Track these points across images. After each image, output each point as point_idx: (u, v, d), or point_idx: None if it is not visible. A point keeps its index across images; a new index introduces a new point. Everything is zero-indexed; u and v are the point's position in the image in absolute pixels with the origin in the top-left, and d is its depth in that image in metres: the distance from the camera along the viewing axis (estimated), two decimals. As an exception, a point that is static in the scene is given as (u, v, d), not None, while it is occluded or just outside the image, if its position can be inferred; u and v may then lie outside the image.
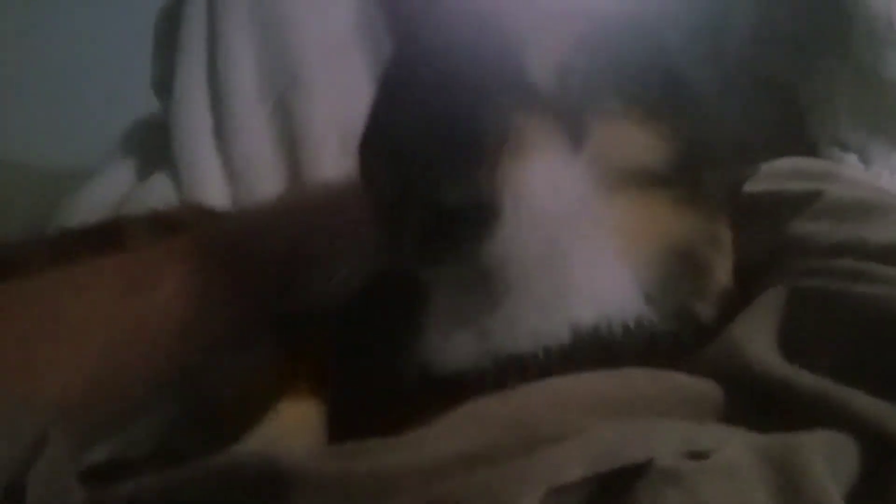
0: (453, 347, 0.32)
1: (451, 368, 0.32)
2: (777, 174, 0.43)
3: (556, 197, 0.30)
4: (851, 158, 0.48)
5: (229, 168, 0.66)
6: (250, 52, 0.69)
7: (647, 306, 0.31)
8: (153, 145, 0.72)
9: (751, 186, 0.41)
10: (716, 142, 0.37)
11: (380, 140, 0.32)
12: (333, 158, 0.66)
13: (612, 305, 0.31)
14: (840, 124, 0.47)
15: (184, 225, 0.53)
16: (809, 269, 0.34)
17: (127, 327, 0.38)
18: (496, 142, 0.29)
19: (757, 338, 0.30)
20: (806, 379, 0.26)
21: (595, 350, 0.31)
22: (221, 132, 0.67)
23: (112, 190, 0.68)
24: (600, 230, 0.31)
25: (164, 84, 0.73)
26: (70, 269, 0.39)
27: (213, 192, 0.65)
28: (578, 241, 0.31)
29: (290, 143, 0.67)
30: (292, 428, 0.34)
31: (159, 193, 0.64)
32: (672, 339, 0.32)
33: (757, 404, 0.28)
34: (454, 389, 0.30)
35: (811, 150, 0.48)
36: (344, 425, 0.34)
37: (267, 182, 0.66)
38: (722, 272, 0.35)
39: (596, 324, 0.31)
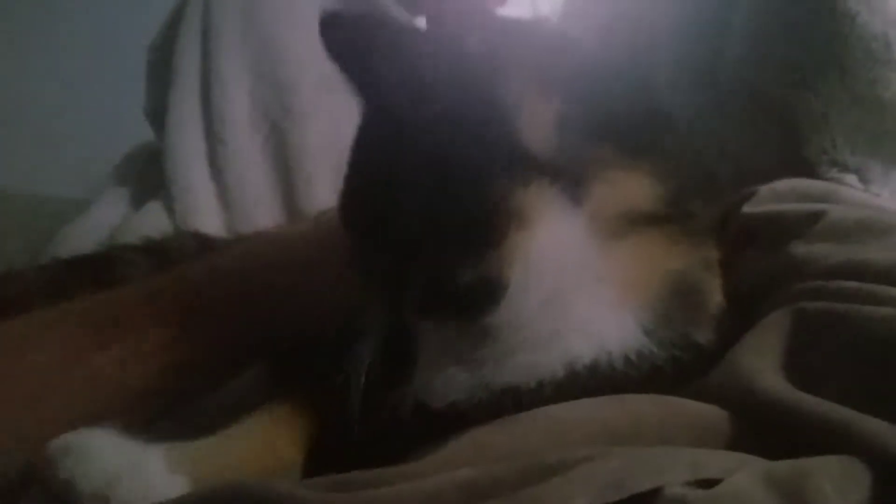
0: (447, 379, 0.32)
1: (444, 399, 0.31)
2: (777, 195, 0.43)
3: (560, 256, 0.31)
4: (850, 179, 0.47)
5: (223, 195, 0.66)
6: (243, 82, 0.69)
7: (646, 338, 0.31)
8: (147, 174, 0.72)
9: (750, 208, 0.41)
10: (708, 173, 0.38)
11: (370, 210, 0.33)
12: (326, 184, 0.66)
13: (611, 341, 0.31)
14: (838, 145, 0.47)
15: (178, 253, 0.53)
16: (813, 290, 0.33)
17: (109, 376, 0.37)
18: (501, 219, 0.30)
19: (762, 362, 0.29)
20: (813, 403, 0.26)
21: (594, 382, 0.31)
22: (215, 160, 0.67)
23: (107, 218, 0.68)
24: (599, 274, 0.31)
25: (158, 113, 0.72)
26: (54, 313, 0.38)
27: (207, 218, 0.65)
28: (578, 286, 0.31)
29: (284, 170, 0.67)
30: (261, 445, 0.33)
31: (153, 221, 0.64)
32: (673, 366, 0.32)
33: (764, 430, 0.27)
34: (448, 420, 0.30)
35: (810, 171, 0.48)
36: (337, 455, 0.33)
37: (261, 208, 0.66)
38: (715, 292, 0.35)
39: (595, 359, 0.31)
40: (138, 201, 0.69)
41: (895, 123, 0.46)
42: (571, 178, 0.31)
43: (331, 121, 0.68)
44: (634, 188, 0.32)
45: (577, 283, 0.31)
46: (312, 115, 0.67)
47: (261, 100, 0.68)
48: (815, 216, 0.39)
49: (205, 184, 0.66)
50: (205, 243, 0.55)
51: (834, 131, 0.47)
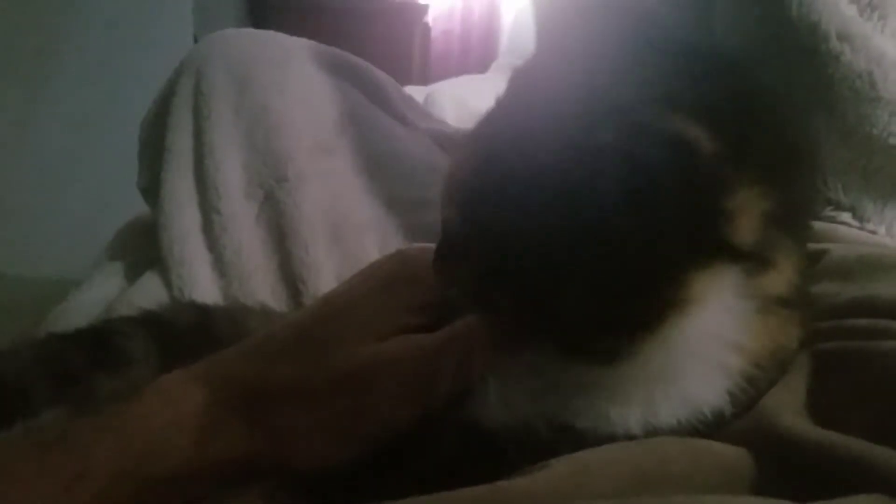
0: (510, 398, 0.31)
1: (499, 420, 0.31)
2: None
3: (715, 316, 0.30)
4: (846, 216, 0.48)
5: (219, 264, 0.66)
6: (237, 153, 0.69)
7: (728, 404, 0.31)
8: (142, 247, 0.71)
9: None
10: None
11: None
12: (322, 249, 0.66)
13: (697, 409, 0.30)
14: (830, 183, 0.48)
15: (176, 324, 0.52)
16: (827, 330, 0.33)
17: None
18: (663, 307, 0.28)
19: (785, 404, 0.29)
20: (838, 441, 0.25)
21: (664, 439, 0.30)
22: (211, 230, 0.67)
23: (102, 293, 0.67)
24: (733, 352, 0.31)
25: (152, 186, 0.73)
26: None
27: (204, 288, 0.64)
28: (705, 358, 0.30)
29: (279, 236, 0.67)
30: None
31: (150, 293, 0.63)
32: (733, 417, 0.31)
33: (790, 470, 0.26)
34: (497, 448, 0.30)
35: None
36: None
37: (257, 275, 0.65)
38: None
39: (676, 425, 0.30)
40: (134, 274, 0.69)
41: (885, 160, 0.47)
42: (756, 264, 0.30)
43: (325, 186, 0.68)
44: (787, 273, 0.31)
45: (710, 349, 0.30)
46: (306, 182, 0.67)
47: (255, 169, 0.68)
48: (817, 256, 0.40)
49: (201, 254, 0.66)
50: (203, 313, 0.55)
51: (825, 170, 0.48)
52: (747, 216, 0.29)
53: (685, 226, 0.28)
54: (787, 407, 0.29)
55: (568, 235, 0.28)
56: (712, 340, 0.30)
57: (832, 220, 0.47)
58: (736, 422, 0.31)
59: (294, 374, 0.35)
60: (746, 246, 0.29)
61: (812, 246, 0.41)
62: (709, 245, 0.28)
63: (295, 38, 0.77)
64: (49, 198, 1.91)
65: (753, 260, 0.30)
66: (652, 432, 0.30)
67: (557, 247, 0.28)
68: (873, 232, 0.47)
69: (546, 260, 0.29)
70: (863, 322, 0.32)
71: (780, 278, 0.31)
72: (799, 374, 0.31)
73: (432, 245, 0.37)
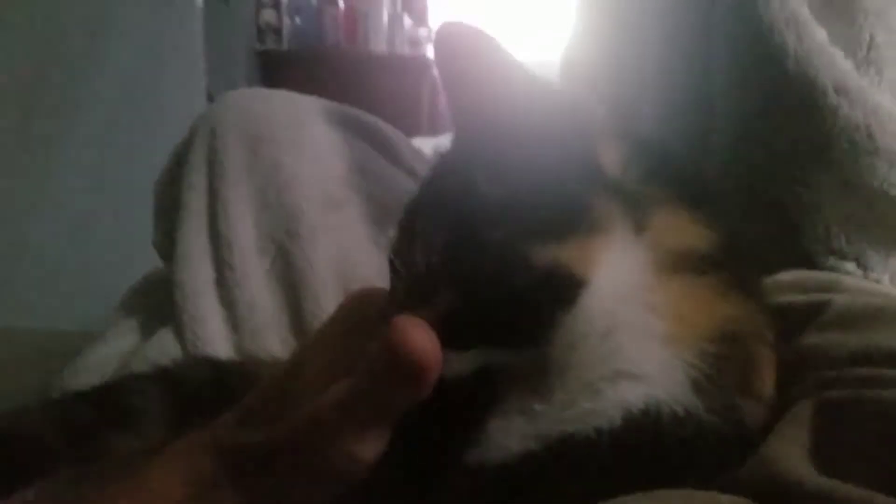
0: (505, 433, 0.31)
1: (500, 454, 0.31)
2: (779, 288, 0.44)
3: (620, 279, 0.31)
4: (850, 266, 0.48)
5: (232, 319, 0.67)
6: (250, 209, 0.71)
7: (695, 396, 0.31)
8: (156, 302, 0.72)
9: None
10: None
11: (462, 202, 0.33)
12: (333, 302, 0.67)
13: (660, 389, 0.30)
14: (833, 234, 0.48)
15: (189, 380, 0.53)
16: (831, 380, 0.33)
17: None
18: (578, 216, 0.31)
19: (790, 454, 0.29)
20: (844, 490, 0.25)
21: (644, 436, 0.30)
22: (224, 284, 0.68)
23: (117, 348, 0.68)
24: (653, 314, 0.31)
25: (166, 243, 0.74)
26: None
27: (217, 343, 0.65)
28: (632, 324, 0.31)
29: (292, 290, 0.68)
30: None
31: (164, 349, 0.64)
32: (718, 437, 0.31)
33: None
34: (501, 475, 0.30)
35: (809, 261, 0.49)
36: None
37: (270, 329, 0.66)
38: (768, 372, 0.34)
39: (645, 407, 0.30)
40: (148, 330, 0.70)
41: (886, 210, 0.47)
42: (636, 203, 0.32)
43: (334, 239, 0.70)
44: (692, 227, 0.33)
45: (632, 314, 0.31)
46: (317, 235, 0.69)
47: (267, 225, 0.70)
48: (821, 306, 0.40)
49: (214, 309, 0.67)
50: (215, 368, 0.56)
51: (828, 220, 0.48)
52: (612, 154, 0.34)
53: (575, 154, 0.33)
54: (791, 456, 0.29)
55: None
56: (623, 305, 0.31)
57: (836, 269, 0.48)
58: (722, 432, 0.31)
59: (267, 436, 0.35)
60: (616, 175, 0.33)
61: (815, 296, 0.41)
62: (592, 168, 0.33)
63: (305, 97, 0.79)
64: (65, 253, 1.94)
65: (632, 200, 0.32)
66: (629, 418, 0.30)
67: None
68: (877, 281, 0.48)
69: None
70: (868, 371, 0.32)
71: (675, 232, 0.33)
72: (800, 422, 0.31)
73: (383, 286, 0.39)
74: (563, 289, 0.30)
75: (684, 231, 0.33)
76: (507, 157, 0.33)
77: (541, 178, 0.32)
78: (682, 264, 0.32)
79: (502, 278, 0.31)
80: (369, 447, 0.32)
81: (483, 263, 0.31)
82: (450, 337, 0.30)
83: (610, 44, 0.66)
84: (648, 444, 0.30)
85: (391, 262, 0.38)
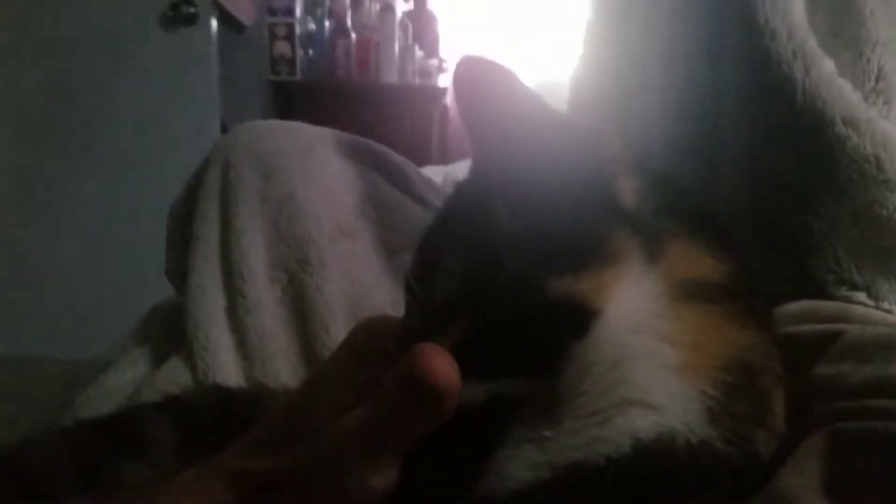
0: (516, 462, 0.31)
1: (512, 483, 0.31)
2: (790, 318, 0.44)
3: (633, 309, 0.31)
4: (861, 296, 0.48)
5: (242, 347, 0.67)
6: (262, 237, 0.72)
7: (710, 425, 0.31)
8: (168, 331, 0.73)
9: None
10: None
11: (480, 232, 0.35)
12: (343, 331, 0.67)
13: (674, 418, 0.30)
14: (843, 264, 0.48)
15: (199, 407, 0.53)
16: (844, 411, 0.33)
17: None
18: (594, 249, 0.32)
19: (804, 486, 0.29)
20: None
21: (657, 464, 0.30)
22: (235, 312, 0.68)
23: (129, 377, 0.68)
24: (667, 343, 0.31)
25: (179, 271, 0.75)
26: None
27: (228, 372, 0.65)
28: (645, 353, 0.31)
29: (302, 319, 0.69)
30: None
31: (175, 378, 0.64)
32: (733, 467, 0.31)
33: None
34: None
35: (819, 291, 0.48)
36: None
37: (279, 357, 0.66)
38: (779, 403, 0.34)
39: (657, 436, 0.30)
40: (159, 359, 0.70)
41: (897, 240, 0.47)
42: (651, 235, 0.33)
43: (345, 268, 0.70)
44: (705, 259, 0.34)
45: (645, 343, 0.31)
46: (328, 265, 0.69)
47: (278, 254, 0.70)
48: (832, 336, 0.40)
49: (225, 338, 0.67)
50: (226, 397, 0.56)
51: (838, 250, 0.48)
52: (627, 189, 0.35)
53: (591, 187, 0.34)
54: (805, 489, 0.28)
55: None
56: (634, 334, 0.31)
57: (848, 300, 0.48)
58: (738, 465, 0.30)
59: (282, 465, 0.35)
60: (631, 209, 0.34)
61: (827, 327, 0.41)
62: (608, 201, 0.34)
63: (318, 128, 0.80)
64: (80, 282, 1.96)
65: (643, 233, 0.33)
66: (639, 445, 0.30)
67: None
68: (889, 311, 0.48)
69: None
70: (881, 403, 0.32)
71: (688, 262, 0.33)
72: (813, 455, 0.31)
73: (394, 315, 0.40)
74: (577, 319, 0.31)
75: (698, 262, 0.34)
76: (525, 190, 0.34)
77: (559, 212, 0.33)
78: (695, 294, 0.33)
79: (519, 309, 0.31)
80: (382, 476, 0.32)
81: (501, 294, 0.32)
82: (464, 365, 0.30)
83: (616, 76, 0.67)
84: (662, 473, 0.30)
85: (407, 287, 0.39)
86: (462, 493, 0.32)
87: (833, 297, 0.48)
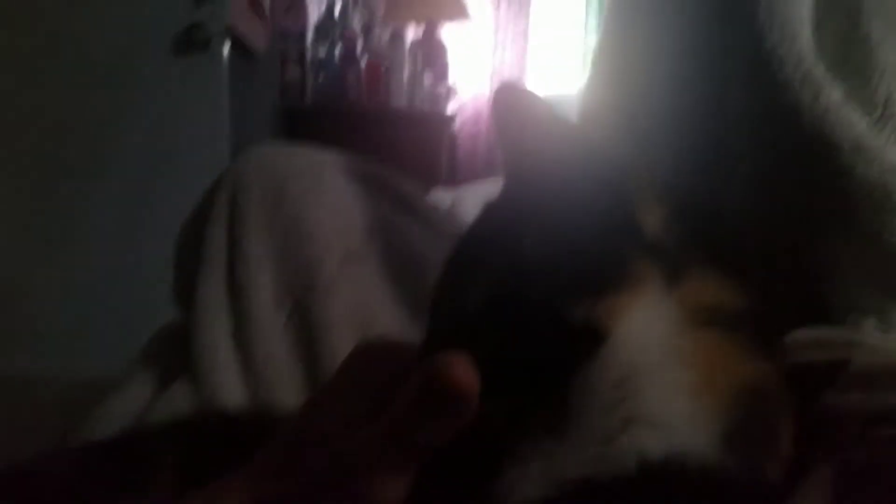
0: (523, 479, 0.32)
1: (518, 499, 0.31)
2: (799, 346, 0.43)
3: (648, 332, 0.32)
4: (870, 323, 0.48)
5: (247, 371, 0.67)
6: (269, 261, 0.72)
7: (721, 448, 0.31)
8: (173, 353, 0.73)
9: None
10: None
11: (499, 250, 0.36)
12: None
13: (686, 440, 0.30)
14: (853, 291, 0.48)
15: (203, 431, 0.53)
16: (852, 441, 0.33)
17: None
18: (614, 275, 0.33)
19: None
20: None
21: (666, 485, 0.30)
22: (240, 336, 0.68)
23: (134, 399, 0.68)
24: (682, 365, 0.32)
25: (185, 294, 0.75)
26: None
27: (232, 395, 0.65)
28: (657, 374, 0.32)
29: (308, 344, 0.68)
30: None
31: (180, 401, 0.64)
32: (742, 492, 0.31)
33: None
34: None
35: (828, 318, 0.48)
36: None
37: (285, 381, 0.66)
38: (787, 434, 0.34)
39: (666, 457, 0.30)
40: (165, 381, 0.70)
41: (908, 268, 0.47)
42: (671, 262, 0.34)
43: (352, 293, 0.70)
44: (723, 287, 0.35)
45: (658, 364, 0.32)
46: (334, 289, 0.69)
47: (285, 278, 0.70)
48: (840, 365, 0.40)
49: (230, 361, 0.67)
50: (230, 420, 0.56)
51: (847, 276, 0.48)
52: (651, 216, 0.36)
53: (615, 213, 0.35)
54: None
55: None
56: (646, 354, 0.32)
57: (857, 327, 0.47)
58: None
59: (293, 487, 0.35)
60: (653, 237, 0.35)
61: (835, 355, 0.41)
62: (631, 228, 0.35)
63: (327, 153, 0.81)
64: (90, 307, 1.97)
65: (666, 261, 0.34)
66: (645, 465, 0.30)
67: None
68: (899, 339, 0.47)
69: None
70: (889, 432, 0.32)
71: (704, 290, 0.34)
72: (821, 486, 0.30)
73: (391, 335, 0.41)
74: (590, 341, 0.32)
75: (716, 289, 0.35)
76: (553, 216, 0.35)
77: (584, 239, 0.34)
78: (712, 320, 0.33)
79: (538, 333, 0.33)
80: (396, 489, 0.32)
81: (522, 318, 0.33)
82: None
83: (623, 101, 0.67)
84: (672, 494, 0.30)
85: (432, 302, 0.40)
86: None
87: (842, 325, 0.48)
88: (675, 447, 0.30)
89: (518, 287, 0.34)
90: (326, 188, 0.75)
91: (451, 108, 3.36)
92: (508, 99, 0.39)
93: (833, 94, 0.48)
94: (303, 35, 3.09)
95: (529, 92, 0.39)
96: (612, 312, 0.32)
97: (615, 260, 0.33)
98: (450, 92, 3.38)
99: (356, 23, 3.29)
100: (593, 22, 3.55)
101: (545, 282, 0.33)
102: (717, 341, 0.33)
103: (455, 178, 3.30)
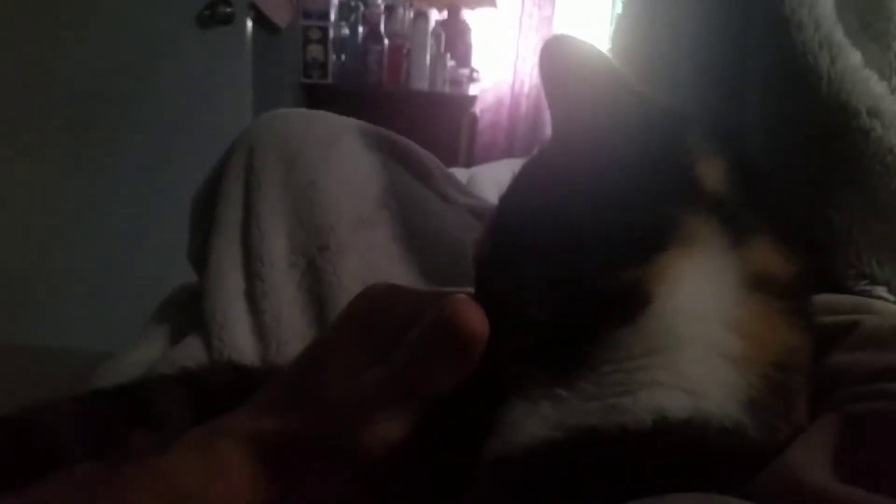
0: (530, 417, 0.31)
1: (525, 438, 0.31)
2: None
3: (697, 293, 0.31)
4: (881, 290, 0.47)
5: (259, 329, 0.67)
6: (282, 223, 0.72)
7: (745, 413, 0.30)
8: (187, 311, 0.74)
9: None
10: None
11: (543, 211, 0.35)
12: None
13: (714, 405, 0.30)
14: (865, 258, 0.47)
15: (214, 382, 0.53)
16: (856, 394, 0.33)
17: None
18: (665, 234, 0.31)
19: (810, 460, 0.28)
20: (863, 497, 0.25)
21: (684, 442, 0.30)
22: (253, 295, 0.69)
23: (146, 353, 0.69)
24: (729, 330, 0.31)
25: (200, 254, 0.75)
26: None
27: (243, 351, 0.66)
28: (702, 339, 0.31)
29: (319, 304, 0.69)
30: None
31: (191, 354, 0.65)
32: (756, 452, 0.30)
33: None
34: (521, 461, 0.30)
35: (839, 285, 0.48)
36: None
37: (295, 340, 0.67)
38: (803, 405, 0.34)
39: (690, 418, 0.30)
40: (177, 337, 0.71)
41: (920, 235, 0.47)
42: (735, 223, 0.33)
43: (363, 256, 0.70)
44: (778, 254, 0.34)
45: (705, 329, 0.31)
46: (346, 252, 0.70)
47: (298, 239, 0.71)
48: (850, 326, 0.39)
49: (242, 318, 0.68)
50: (239, 373, 0.56)
51: (859, 245, 0.47)
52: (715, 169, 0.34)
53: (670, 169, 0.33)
54: (814, 463, 0.28)
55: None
56: (694, 321, 0.31)
57: (867, 294, 0.47)
58: (764, 455, 0.30)
59: (294, 424, 0.36)
60: (718, 194, 0.33)
61: (844, 318, 0.41)
62: (690, 185, 0.33)
63: (342, 118, 0.81)
64: (112, 279, 1.99)
65: (730, 220, 0.32)
66: (662, 422, 0.29)
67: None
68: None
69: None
70: (893, 386, 0.31)
71: (766, 254, 0.33)
72: (825, 434, 0.30)
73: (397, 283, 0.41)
74: (632, 304, 0.31)
75: (772, 257, 0.33)
76: (602, 171, 0.34)
77: (633, 195, 0.33)
78: (763, 287, 0.32)
79: (584, 302, 0.32)
80: (394, 431, 0.33)
81: (571, 286, 0.32)
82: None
83: (644, 69, 0.66)
84: (688, 451, 0.30)
85: (476, 263, 0.39)
86: (478, 451, 0.32)
87: (853, 292, 0.48)
88: (702, 411, 0.30)
89: (569, 255, 0.32)
90: (341, 153, 0.75)
91: (472, 90, 3.34)
92: (558, 49, 0.37)
93: (852, 58, 0.48)
94: (326, 14, 3.09)
95: (582, 42, 0.36)
96: (658, 276, 0.31)
97: (667, 218, 0.32)
98: (472, 75, 3.36)
99: (379, 3, 3.27)
100: (618, 8, 3.52)
101: (590, 243, 0.32)
102: (767, 311, 0.32)
103: (472, 163, 3.29)
